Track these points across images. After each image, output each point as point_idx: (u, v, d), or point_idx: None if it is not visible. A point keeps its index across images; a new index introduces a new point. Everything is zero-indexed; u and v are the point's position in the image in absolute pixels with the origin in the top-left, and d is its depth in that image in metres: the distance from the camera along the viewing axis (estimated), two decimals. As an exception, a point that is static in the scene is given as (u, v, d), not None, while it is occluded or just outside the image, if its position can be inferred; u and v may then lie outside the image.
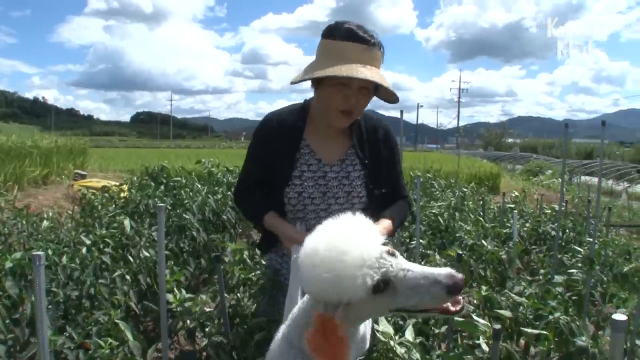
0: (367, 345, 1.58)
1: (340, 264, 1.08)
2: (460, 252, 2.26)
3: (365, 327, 1.51)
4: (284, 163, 1.91)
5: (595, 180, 19.65)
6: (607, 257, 3.88)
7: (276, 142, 1.92)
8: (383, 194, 1.96)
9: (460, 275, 1.11)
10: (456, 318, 1.67)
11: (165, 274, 2.30)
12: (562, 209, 5.77)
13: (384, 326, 1.72)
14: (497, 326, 1.42)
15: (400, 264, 1.15)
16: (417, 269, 1.14)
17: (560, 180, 15.76)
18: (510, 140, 65.63)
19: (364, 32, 1.75)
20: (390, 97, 1.87)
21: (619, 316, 0.75)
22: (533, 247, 4.92)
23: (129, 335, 1.82)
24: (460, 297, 1.17)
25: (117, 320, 1.88)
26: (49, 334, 1.84)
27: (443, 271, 1.12)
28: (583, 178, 19.27)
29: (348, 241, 1.12)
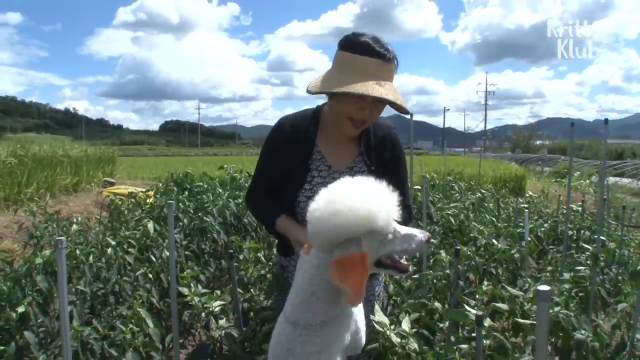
0: (362, 344, 1.69)
1: (389, 197, 1.40)
2: (459, 248, 2.35)
3: (359, 327, 1.64)
4: (297, 168, 1.96)
5: (624, 180, 19.39)
6: (622, 256, 3.93)
7: (290, 147, 1.97)
8: None
9: (429, 233, 1.51)
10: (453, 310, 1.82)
11: (184, 272, 2.45)
12: (580, 209, 5.80)
13: (380, 317, 1.83)
14: (480, 313, 1.53)
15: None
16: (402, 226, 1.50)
17: (588, 181, 15.63)
18: (538, 142, 64.68)
19: (380, 46, 1.79)
20: (403, 109, 1.90)
21: (544, 287, 0.86)
22: (551, 247, 4.95)
23: (150, 322, 1.96)
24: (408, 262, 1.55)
25: (138, 309, 2.03)
26: (75, 325, 2.01)
27: (420, 230, 1.50)
28: (612, 179, 19.01)
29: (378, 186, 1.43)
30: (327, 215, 1.33)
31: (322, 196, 1.39)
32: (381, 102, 1.84)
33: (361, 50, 1.78)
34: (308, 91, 1.87)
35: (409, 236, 1.45)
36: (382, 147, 2.04)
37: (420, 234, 1.47)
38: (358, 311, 1.67)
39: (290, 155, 1.97)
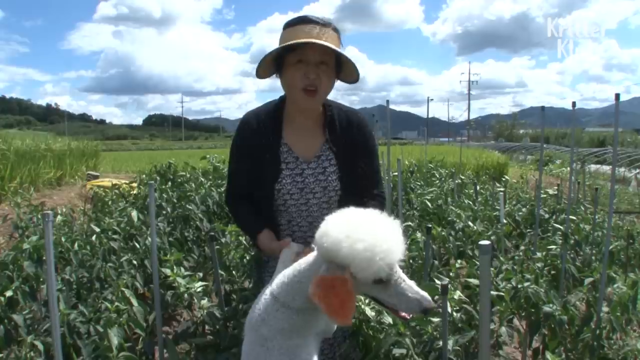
0: (334, 328, 1.73)
1: (386, 245, 1.31)
2: (430, 226, 2.44)
3: None
4: (269, 163, 1.97)
5: (605, 167, 19.67)
6: (596, 237, 4.07)
7: (258, 143, 1.98)
8: (359, 186, 2.01)
9: (434, 304, 1.39)
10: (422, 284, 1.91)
11: (166, 254, 2.53)
12: (559, 193, 5.95)
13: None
14: (445, 282, 1.62)
15: (400, 272, 1.40)
16: (409, 282, 1.40)
17: (569, 168, 15.84)
18: (521, 131, 65.43)
19: (317, 18, 1.84)
20: (352, 75, 1.93)
21: (485, 242, 0.94)
22: (528, 230, 5.07)
23: (134, 301, 2.03)
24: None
25: (122, 288, 2.10)
26: (62, 308, 2.08)
27: (426, 295, 1.38)
28: (594, 166, 19.28)
29: (395, 233, 1.35)
30: (331, 236, 1.34)
31: (341, 217, 1.40)
32: (326, 66, 1.86)
33: (297, 22, 1.85)
34: (258, 75, 1.94)
35: (403, 296, 1.37)
36: (349, 133, 2.03)
37: (418, 303, 1.36)
38: None
39: (260, 151, 1.98)
